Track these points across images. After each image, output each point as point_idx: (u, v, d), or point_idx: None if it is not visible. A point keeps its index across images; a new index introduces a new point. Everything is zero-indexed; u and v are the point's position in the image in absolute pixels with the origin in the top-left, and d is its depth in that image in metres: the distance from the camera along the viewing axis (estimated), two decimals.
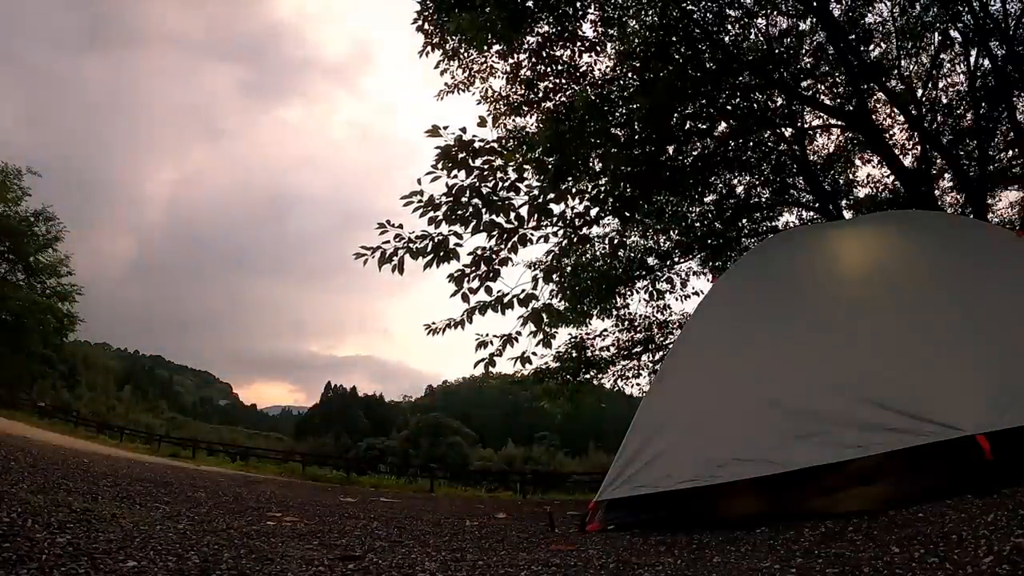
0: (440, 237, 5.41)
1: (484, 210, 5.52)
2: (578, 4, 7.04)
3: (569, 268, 8.42)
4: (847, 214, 9.47)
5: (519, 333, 6.70)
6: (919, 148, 8.74)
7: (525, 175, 5.79)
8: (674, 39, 7.11)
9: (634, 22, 7.53)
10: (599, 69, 7.67)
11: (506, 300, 5.83)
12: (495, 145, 5.61)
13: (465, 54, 7.95)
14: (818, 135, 9.77)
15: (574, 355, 10.29)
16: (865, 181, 10.19)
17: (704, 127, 8.12)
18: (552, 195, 5.84)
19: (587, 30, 7.61)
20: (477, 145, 5.35)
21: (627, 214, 7.08)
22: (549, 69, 7.49)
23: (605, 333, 10.54)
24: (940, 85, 8.90)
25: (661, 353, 10.14)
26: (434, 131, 5.13)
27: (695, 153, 8.29)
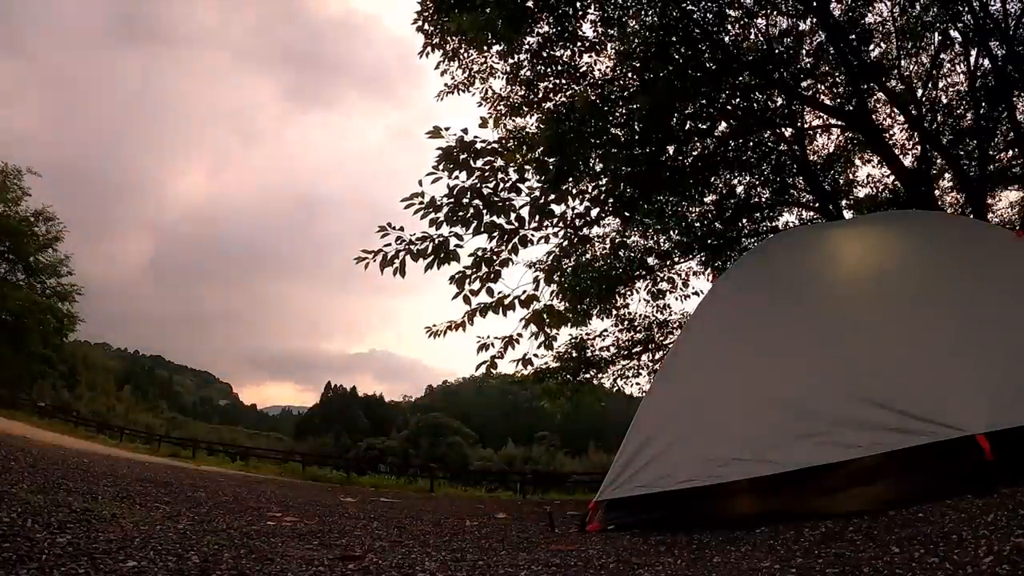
0: (441, 239, 5.40)
1: (485, 211, 5.51)
2: (578, 4, 7.04)
3: (570, 268, 8.42)
4: (847, 214, 9.46)
5: (520, 335, 6.72)
6: (919, 148, 8.74)
7: (526, 176, 5.79)
8: (674, 39, 7.11)
9: (634, 22, 7.52)
10: (599, 69, 7.69)
11: (507, 302, 5.83)
12: (496, 146, 5.61)
13: (465, 55, 7.96)
14: (818, 135, 9.77)
15: (574, 355, 10.30)
16: (865, 181, 10.20)
17: (704, 127, 8.11)
18: (553, 196, 5.84)
19: (587, 30, 7.62)
20: (478, 146, 5.35)
21: (627, 214, 7.10)
22: (549, 69, 7.49)
23: (605, 333, 10.55)
24: (940, 85, 8.90)
25: (661, 353, 10.14)
26: (435, 132, 5.13)
27: (695, 153, 8.29)
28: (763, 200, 9.62)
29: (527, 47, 7.34)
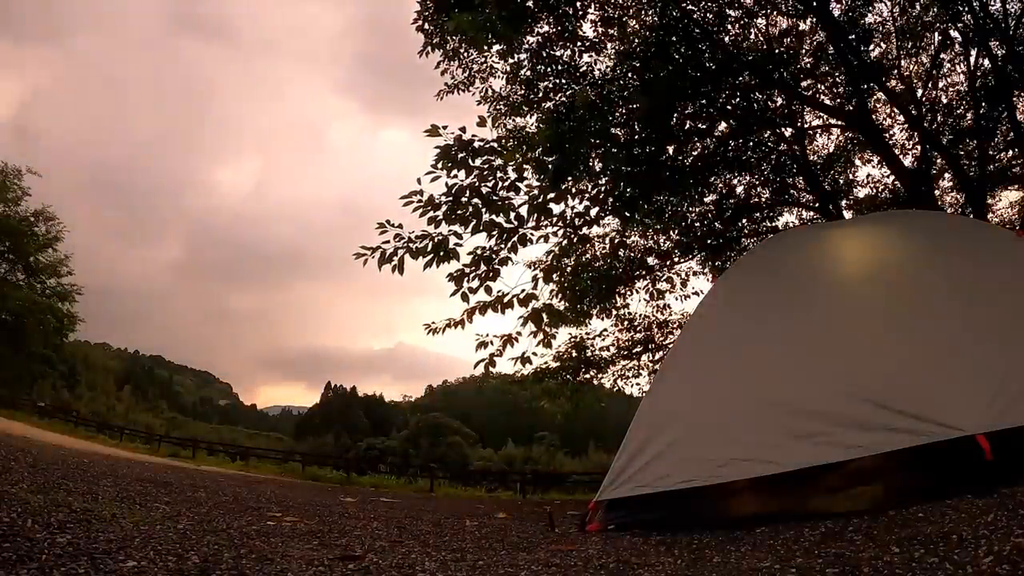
0: (440, 237, 5.40)
1: (484, 210, 5.52)
2: (578, 4, 7.04)
3: (569, 268, 8.42)
4: (847, 214, 9.48)
5: (519, 333, 6.72)
6: (919, 148, 8.74)
7: (525, 175, 5.79)
8: (674, 39, 7.10)
9: (634, 22, 7.54)
10: (599, 69, 7.68)
11: (506, 300, 5.83)
12: (495, 145, 5.61)
13: (465, 54, 7.96)
14: (818, 135, 9.78)
15: (574, 355, 10.31)
16: (865, 181, 10.22)
17: (704, 127, 8.12)
18: (552, 195, 5.84)
19: (587, 30, 7.63)
20: (477, 145, 5.35)
21: (627, 214, 7.09)
22: (549, 69, 7.49)
23: (605, 333, 10.56)
24: (940, 85, 8.91)
25: (661, 353, 10.14)
26: (433, 131, 5.13)
27: (695, 153, 8.30)
28: (763, 200, 9.63)
29: (527, 47, 7.34)
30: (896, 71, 8.53)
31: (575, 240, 7.18)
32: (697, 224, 9.21)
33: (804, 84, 8.60)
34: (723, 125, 8.40)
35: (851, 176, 10.24)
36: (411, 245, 5.33)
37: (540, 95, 7.66)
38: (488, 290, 5.72)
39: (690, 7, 7.29)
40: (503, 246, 5.74)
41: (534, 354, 7.23)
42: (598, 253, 9.02)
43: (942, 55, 8.54)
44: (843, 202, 9.86)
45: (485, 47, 7.09)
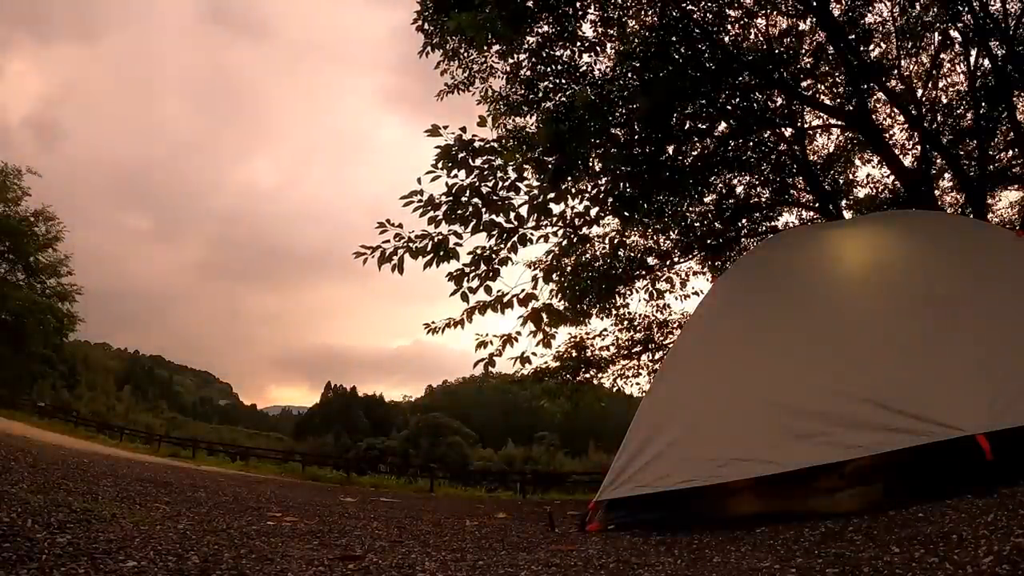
0: (440, 237, 5.40)
1: (484, 210, 5.52)
2: (578, 4, 7.04)
3: (569, 268, 8.42)
4: (847, 214, 9.48)
5: (519, 333, 6.72)
6: (919, 148, 8.73)
7: (525, 175, 5.79)
8: (674, 39, 7.11)
9: (634, 22, 7.53)
10: (599, 69, 7.67)
11: (506, 300, 5.83)
12: (495, 145, 5.61)
13: (465, 54, 7.95)
14: (818, 135, 9.77)
15: (574, 355, 10.31)
16: (865, 181, 10.21)
17: (704, 127, 8.12)
18: (552, 195, 5.84)
19: (587, 30, 7.62)
20: (477, 144, 5.35)
21: (627, 214, 7.09)
22: (549, 69, 7.48)
23: (605, 333, 10.56)
24: (940, 85, 8.90)
25: (661, 353, 10.15)
26: (434, 130, 5.12)
27: (695, 153, 8.30)
28: (763, 200, 9.63)
29: (527, 47, 7.33)
30: (896, 71, 8.52)
31: (575, 240, 7.18)
32: (697, 224, 9.21)
33: (804, 84, 8.59)
34: (723, 125, 8.39)
35: (851, 176, 10.25)
36: (411, 245, 5.33)
37: (540, 95, 7.65)
38: (488, 290, 5.72)
39: (690, 7, 7.29)
40: (503, 246, 5.74)
41: (533, 354, 7.24)
42: (598, 253, 9.02)
43: (942, 55, 8.54)
44: (843, 202, 9.87)
45: (485, 47, 7.09)
